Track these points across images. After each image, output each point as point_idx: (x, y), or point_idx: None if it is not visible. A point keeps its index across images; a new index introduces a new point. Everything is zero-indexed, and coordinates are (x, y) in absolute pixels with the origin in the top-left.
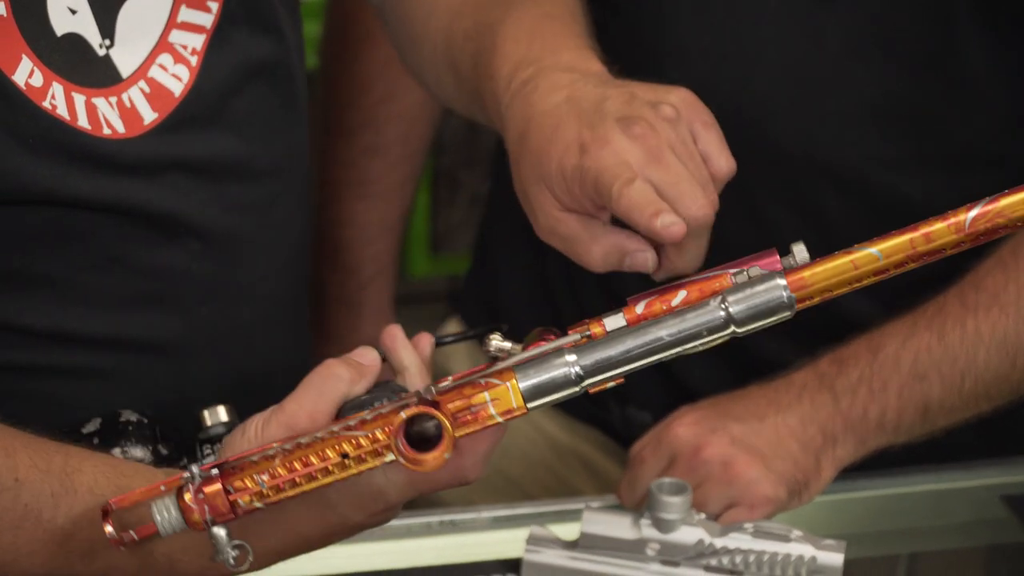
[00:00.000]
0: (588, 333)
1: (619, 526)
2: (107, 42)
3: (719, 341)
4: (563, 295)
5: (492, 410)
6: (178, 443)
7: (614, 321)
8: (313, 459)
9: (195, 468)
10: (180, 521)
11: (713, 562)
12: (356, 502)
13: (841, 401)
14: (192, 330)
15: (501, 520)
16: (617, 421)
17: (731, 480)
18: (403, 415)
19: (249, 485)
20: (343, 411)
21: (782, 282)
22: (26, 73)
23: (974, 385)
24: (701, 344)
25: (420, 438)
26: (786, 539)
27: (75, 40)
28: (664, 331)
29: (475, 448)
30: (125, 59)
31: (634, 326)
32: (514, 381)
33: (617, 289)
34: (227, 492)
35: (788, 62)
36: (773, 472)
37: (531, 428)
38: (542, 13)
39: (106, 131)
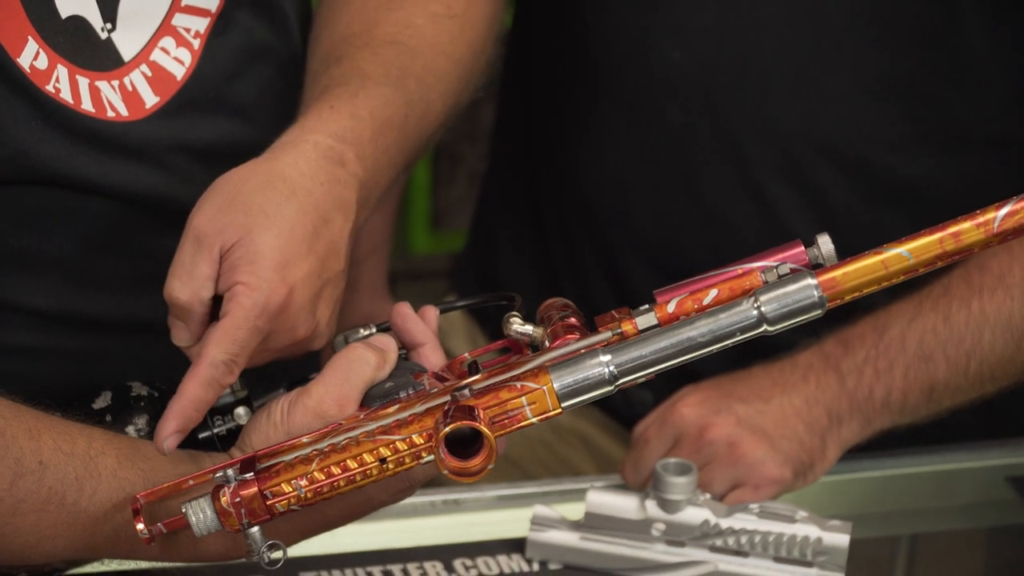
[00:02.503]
0: (620, 331)
1: (624, 506)
2: (108, 26)
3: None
4: (563, 272)
5: (528, 414)
6: None
7: (645, 320)
8: (351, 464)
9: (231, 471)
10: (216, 522)
11: (718, 542)
12: (383, 485)
13: (847, 382)
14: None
15: (505, 499)
16: (619, 401)
17: (736, 461)
18: (445, 429)
19: (287, 490)
20: (369, 397)
21: (814, 282)
22: (31, 55)
23: (979, 366)
24: (733, 343)
25: (456, 439)
26: (792, 520)
27: (79, 22)
28: (697, 331)
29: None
30: (126, 43)
31: (667, 326)
32: (551, 385)
33: (616, 269)
34: (264, 497)
35: (788, 40)
36: (779, 453)
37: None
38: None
39: (110, 114)
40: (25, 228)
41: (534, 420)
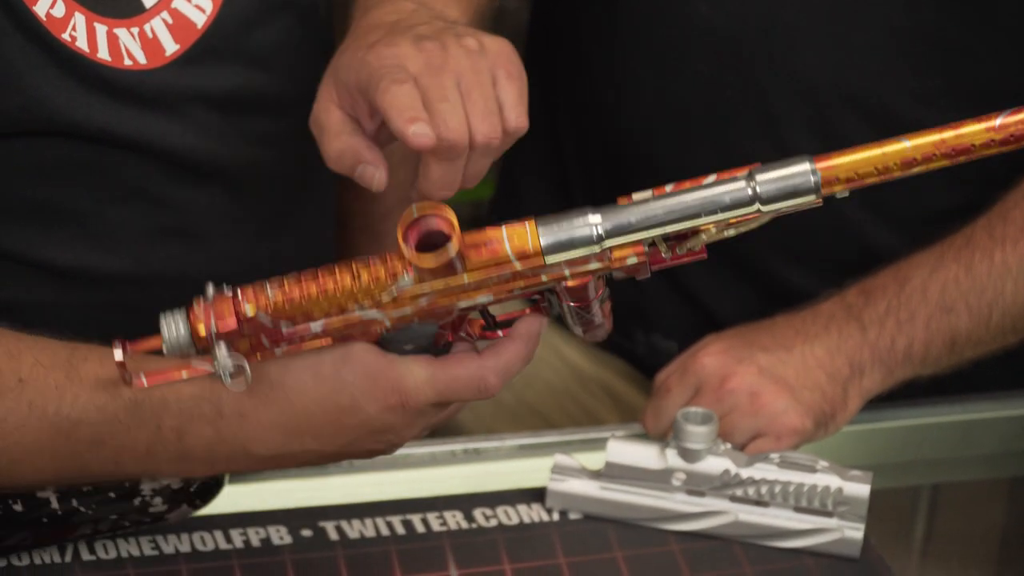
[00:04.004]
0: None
1: (644, 455)
2: None
3: (744, 225)
4: None
5: (507, 247)
6: None
7: (641, 195)
8: (326, 281)
9: (209, 288)
10: (187, 339)
11: (739, 492)
12: (370, 385)
13: (869, 332)
14: (215, 264)
15: (526, 448)
16: (642, 350)
17: (758, 410)
18: (415, 212)
19: (259, 297)
20: (383, 341)
21: (811, 166)
22: (48, 3)
23: (1001, 317)
24: (724, 218)
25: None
26: (812, 470)
27: None
28: (688, 199)
29: (498, 358)
30: None
31: (659, 194)
32: (535, 228)
33: None
34: (236, 304)
35: None
36: (800, 403)
37: (555, 357)
38: None
39: (127, 62)
40: (40, 180)
41: (513, 256)
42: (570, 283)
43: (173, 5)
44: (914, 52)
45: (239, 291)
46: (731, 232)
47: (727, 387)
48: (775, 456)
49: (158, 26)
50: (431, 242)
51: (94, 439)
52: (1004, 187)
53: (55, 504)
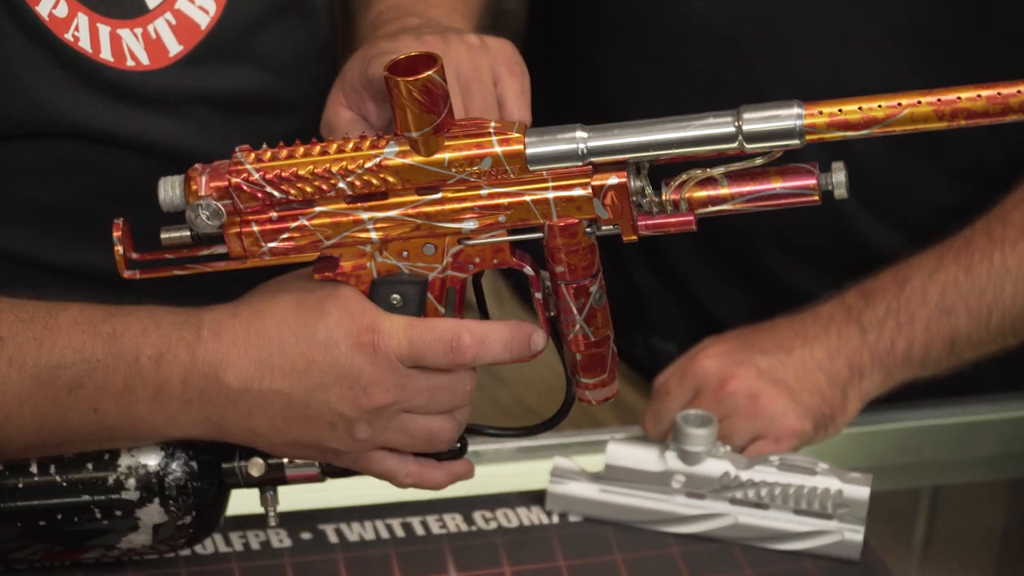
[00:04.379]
0: None
1: (644, 458)
2: None
3: (731, 164)
4: None
5: (494, 140)
6: None
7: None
8: (315, 146)
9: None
10: (180, 196)
11: (739, 495)
12: (347, 319)
13: (868, 334)
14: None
15: (525, 451)
16: (641, 352)
17: (757, 413)
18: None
19: (256, 155)
20: (371, 290)
21: (799, 110)
22: (51, 3)
23: (1001, 319)
24: (707, 150)
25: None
26: (812, 472)
27: None
28: (673, 125)
29: (477, 323)
30: None
31: (648, 120)
32: (523, 132)
33: None
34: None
35: None
36: (800, 405)
37: (553, 358)
38: None
39: (130, 63)
40: (42, 181)
41: (498, 148)
42: (557, 221)
43: (176, 6)
44: (913, 51)
45: (237, 149)
46: (720, 171)
47: (726, 389)
48: (775, 458)
49: (161, 27)
50: (415, 72)
51: (73, 382)
52: (1004, 187)
53: (34, 469)
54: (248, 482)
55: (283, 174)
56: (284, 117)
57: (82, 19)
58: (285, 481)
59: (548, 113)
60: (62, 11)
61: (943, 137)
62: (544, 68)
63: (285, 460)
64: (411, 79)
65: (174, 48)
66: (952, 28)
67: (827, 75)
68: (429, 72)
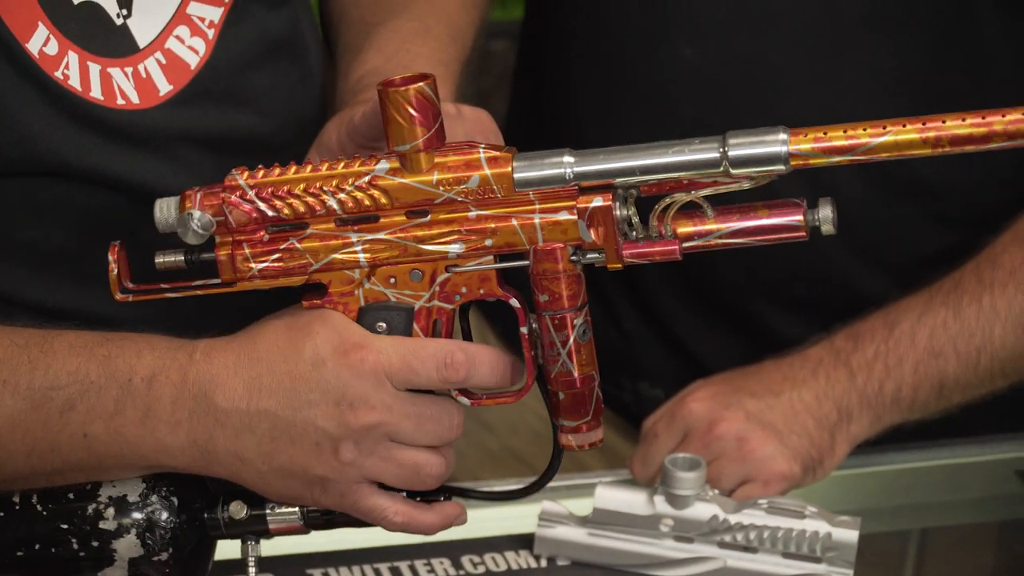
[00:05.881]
0: None
1: (632, 501)
2: (124, 12)
3: (713, 186)
4: None
5: (482, 157)
6: None
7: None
8: (307, 167)
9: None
10: (175, 215)
11: (727, 538)
12: (336, 338)
13: (857, 377)
14: (207, 306)
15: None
16: (629, 398)
17: (745, 456)
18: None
19: (251, 174)
20: (362, 312)
21: (784, 136)
22: (41, 41)
23: (990, 362)
24: (691, 175)
25: None
26: (801, 515)
27: (92, 8)
28: (659, 150)
29: (468, 344)
30: (142, 29)
31: (635, 146)
32: (512, 156)
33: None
34: (224, 192)
35: (802, 32)
36: (788, 448)
37: (541, 405)
38: (420, 29)
39: (120, 102)
40: (30, 220)
41: (486, 168)
42: (542, 245)
43: (167, 45)
44: (901, 95)
45: (234, 169)
46: (704, 193)
47: (715, 433)
48: (763, 502)
49: (152, 66)
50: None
51: (65, 404)
52: (992, 230)
53: (16, 498)
54: (230, 529)
55: (275, 191)
56: (273, 158)
57: (72, 57)
58: (267, 531)
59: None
60: (52, 49)
61: (932, 182)
62: (530, 108)
63: (267, 510)
64: (403, 88)
65: (164, 87)
66: (939, 72)
67: (813, 119)
68: (421, 84)
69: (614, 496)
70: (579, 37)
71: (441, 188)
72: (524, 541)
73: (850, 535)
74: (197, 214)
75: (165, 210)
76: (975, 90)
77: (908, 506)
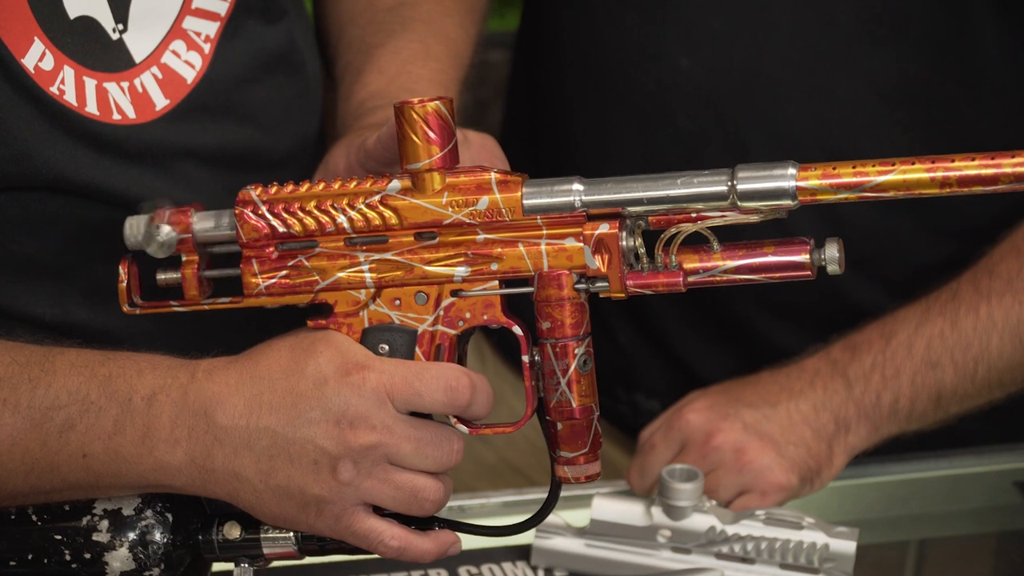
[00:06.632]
0: None
1: (629, 512)
2: (120, 26)
3: (721, 218)
4: None
5: (494, 183)
6: None
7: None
8: (319, 184)
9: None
10: (144, 231)
11: (725, 549)
12: (338, 357)
13: (854, 388)
14: (204, 320)
15: (510, 506)
16: (625, 409)
17: (743, 467)
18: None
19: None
20: (365, 333)
21: (794, 171)
22: (37, 56)
23: (987, 372)
24: (699, 208)
25: None
26: (798, 526)
27: (88, 23)
28: (667, 181)
29: (474, 373)
30: (139, 44)
31: (644, 176)
32: (522, 182)
33: None
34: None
35: (799, 45)
36: (785, 459)
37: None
38: (421, 50)
39: (116, 116)
40: (28, 235)
41: (496, 192)
42: (547, 271)
43: (163, 60)
44: (898, 105)
45: (249, 186)
46: (709, 224)
47: (712, 444)
48: (761, 513)
49: (148, 81)
50: None
51: (65, 424)
52: (989, 241)
53: (11, 510)
54: (224, 551)
55: (287, 206)
56: (271, 173)
57: (68, 72)
58: (261, 555)
59: (528, 165)
60: (48, 63)
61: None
62: (526, 120)
63: (261, 533)
64: (420, 106)
65: (160, 102)
66: (937, 82)
67: (811, 130)
68: (438, 103)
69: (611, 507)
70: (574, 47)
71: (450, 209)
72: (521, 552)
73: (848, 546)
74: (165, 229)
75: (134, 227)
76: (972, 102)
77: (906, 517)
